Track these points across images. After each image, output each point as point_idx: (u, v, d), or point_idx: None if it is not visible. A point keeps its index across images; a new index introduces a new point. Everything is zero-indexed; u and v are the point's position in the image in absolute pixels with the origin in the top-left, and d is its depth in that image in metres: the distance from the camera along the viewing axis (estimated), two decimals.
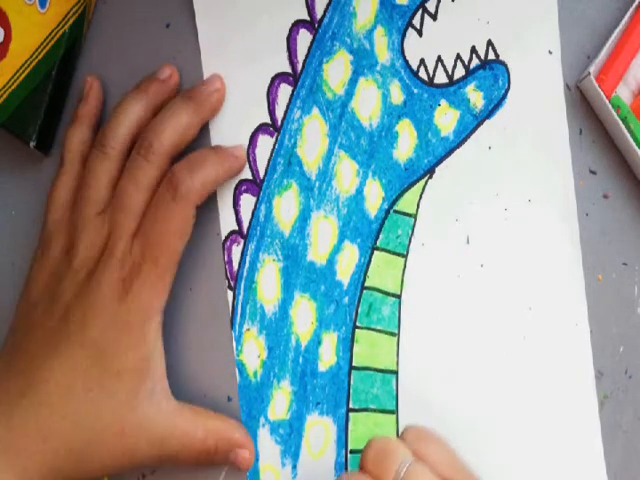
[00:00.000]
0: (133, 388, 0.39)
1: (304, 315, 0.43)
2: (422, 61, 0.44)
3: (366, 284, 0.43)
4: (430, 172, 0.44)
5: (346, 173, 0.44)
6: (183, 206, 0.40)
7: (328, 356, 0.43)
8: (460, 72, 0.44)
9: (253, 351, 0.43)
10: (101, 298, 0.39)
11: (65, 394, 0.38)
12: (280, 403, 0.43)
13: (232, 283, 0.44)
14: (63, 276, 0.40)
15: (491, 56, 0.44)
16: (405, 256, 0.44)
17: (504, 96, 0.44)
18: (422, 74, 0.44)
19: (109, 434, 0.38)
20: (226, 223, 0.44)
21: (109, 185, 0.41)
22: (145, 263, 0.39)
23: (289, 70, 0.44)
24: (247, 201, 0.44)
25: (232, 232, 0.44)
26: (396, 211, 0.44)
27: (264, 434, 0.43)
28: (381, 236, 0.44)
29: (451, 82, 0.44)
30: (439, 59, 0.44)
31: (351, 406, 0.43)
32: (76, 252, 0.40)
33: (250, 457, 0.41)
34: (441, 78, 0.44)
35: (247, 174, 0.44)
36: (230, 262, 0.44)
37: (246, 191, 0.44)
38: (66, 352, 0.39)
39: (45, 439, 0.38)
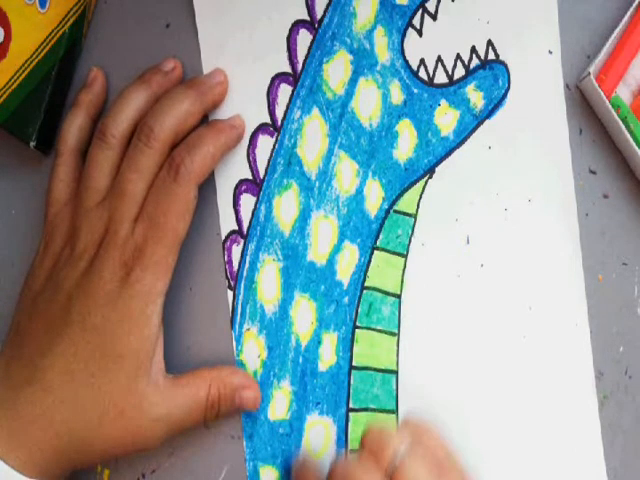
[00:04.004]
0: (133, 370, 0.39)
1: (304, 315, 0.43)
2: (422, 61, 0.44)
3: (366, 284, 0.43)
4: (430, 172, 0.44)
5: (346, 173, 0.44)
6: (185, 187, 0.40)
7: (328, 356, 0.43)
8: (460, 72, 0.44)
9: (253, 351, 0.43)
10: (102, 283, 0.39)
11: (67, 380, 0.39)
12: (280, 403, 0.43)
13: (232, 283, 0.44)
14: (65, 264, 0.40)
15: (491, 56, 0.44)
16: (405, 256, 0.44)
17: (504, 96, 0.44)
18: (422, 74, 0.44)
19: (109, 417, 0.39)
20: (226, 223, 0.44)
21: (110, 174, 0.41)
22: (147, 246, 0.40)
23: (289, 70, 0.44)
24: (247, 201, 0.44)
25: (232, 232, 0.44)
26: (396, 211, 0.44)
27: (264, 434, 0.43)
28: (381, 236, 0.44)
29: (451, 82, 0.44)
30: (439, 59, 0.44)
31: (351, 406, 0.43)
32: (77, 240, 0.40)
33: (256, 396, 0.42)
34: (441, 78, 0.44)
35: (247, 174, 0.44)
36: (230, 262, 0.44)
37: (246, 191, 0.44)
38: (69, 339, 0.39)
39: (49, 425, 0.38)
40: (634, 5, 0.43)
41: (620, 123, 0.42)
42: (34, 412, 0.38)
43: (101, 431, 0.39)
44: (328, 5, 0.44)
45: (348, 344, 0.43)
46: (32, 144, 0.43)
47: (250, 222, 0.44)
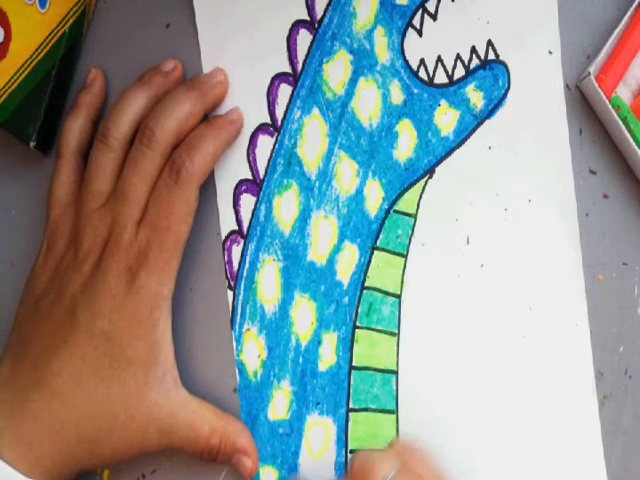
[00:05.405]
0: (143, 376, 0.39)
1: (304, 315, 0.43)
2: (422, 61, 0.44)
3: (366, 284, 0.43)
4: (430, 172, 0.44)
5: (346, 173, 0.44)
6: (186, 189, 0.40)
7: (328, 356, 0.43)
8: (460, 72, 0.44)
9: (253, 351, 0.43)
10: (108, 288, 0.39)
11: (76, 384, 0.39)
12: (280, 403, 0.43)
13: (232, 283, 0.44)
14: (68, 268, 0.40)
15: (491, 56, 0.44)
16: (405, 256, 0.44)
17: (504, 96, 0.44)
18: (422, 74, 0.44)
19: (119, 422, 0.39)
20: (226, 223, 0.44)
21: (112, 176, 0.41)
22: (151, 249, 0.40)
23: (289, 70, 0.44)
24: (247, 201, 0.44)
25: (232, 232, 0.44)
26: (396, 211, 0.44)
27: (264, 434, 0.43)
28: (381, 236, 0.44)
29: (451, 82, 0.44)
30: (439, 59, 0.44)
31: (351, 406, 0.43)
32: (80, 243, 0.40)
33: (253, 465, 0.41)
34: (441, 78, 0.44)
35: (247, 174, 0.44)
36: (230, 262, 0.44)
37: (246, 191, 0.44)
38: (75, 343, 0.39)
39: (58, 430, 0.38)
40: (634, 5, 0.43)
41: (620, 123, 0.42)
42: (43, 417, 0.38)
43: (111, 436, 0.39)
44: (328, 5, 0.44)
45: (348, 344, 0.43)
46: (32, 144, 0.43)
47: (250, 222, 0.44)
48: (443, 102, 0.44)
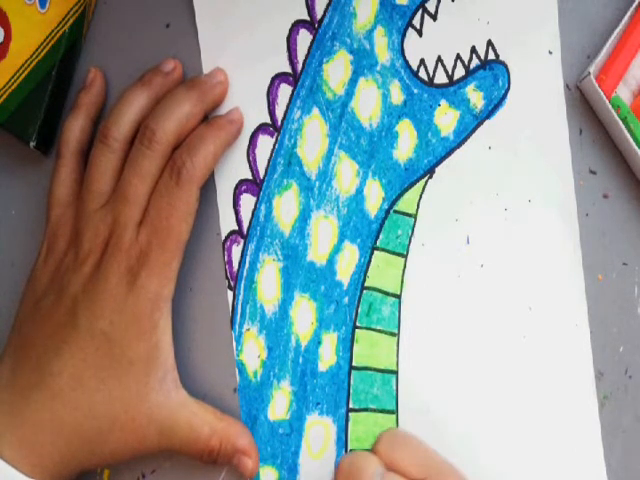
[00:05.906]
0: (144, 377, 0.39)
1: (304, 315, 0.43)
2: (422, 61, 0.44)
3: (366, 284, 0.43)
4: (430, 172, 0.44)
5: (346, 173, 0.44)
6: (187, 190, 0.40)
7: (328, 356, 0.43)
8: (460, 72, 0.44)
9: (253, 351, 0.43)
10: (109, 289, 0.39)
11: (77, 385, 0.39)
12: (280, 403, 0.43)
13: (232, 283, 0.44)
14: (69, 268, 0.40)
15: (491, 56, 0.44)
16: (405, 256, 0.44)
17: (504, 96, 0.44)
18: (422, 74, 0.44)
19: (120, 423, 0.39)
20: (226, 223, 0.44)
21: (113, 177, 0.41)
22: (152, 250, 0.40)
23: (289, 70, 0.44)
24: (247, 201, 0.44)
25: (232, 232, 0.44)
26: (396, 211, 0.44)
27: (264, 434, 0.43)
28: (381, 236, 0.44)
29: (451, 82, 0.44)
30: (439, 59, 0.44)
31: (351, 406, 0.43)
32: (81, 244, 0.40)
33: (254, 465, 0.41)
34: (441, 78, 0.44)
35: (247, 174, 0.44)
36: (230, 262, 0.44)
37: (246, 191, 0.44)
38: (76, 344, 0.39)
39: (59, 430, 0.39)
40: (634, 5, 0.43)
41: (620, 123, 0.42)
42: (44, 417, 0.38)
43: (111, 436, 0.39)
44: (328, 5, 0.44)
45: (348, 344, 0.43)
46: (32, 144, 0.43)
47: (250, 222, 0.44)
48: (443, 102, 0.44)
